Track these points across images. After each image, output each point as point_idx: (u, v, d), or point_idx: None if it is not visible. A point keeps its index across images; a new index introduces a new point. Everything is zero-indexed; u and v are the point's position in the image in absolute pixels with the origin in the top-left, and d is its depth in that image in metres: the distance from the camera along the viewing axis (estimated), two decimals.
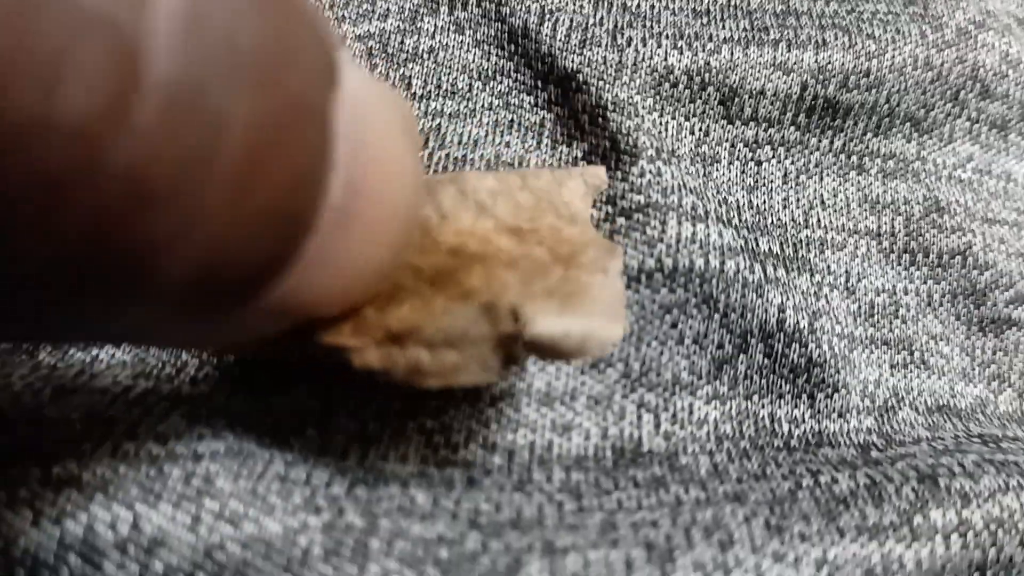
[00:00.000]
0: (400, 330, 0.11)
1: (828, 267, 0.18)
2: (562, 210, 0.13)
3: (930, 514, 0.13)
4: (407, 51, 0.18)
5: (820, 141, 0.19)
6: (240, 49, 0.08)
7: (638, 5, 0.19)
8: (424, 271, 0.12)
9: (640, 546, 0.12)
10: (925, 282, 0.19)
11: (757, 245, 0.17)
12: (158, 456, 0.13)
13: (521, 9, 0.18)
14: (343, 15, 0.19)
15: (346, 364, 0.11)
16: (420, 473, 0.14)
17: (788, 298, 0.17)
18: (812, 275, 0.17)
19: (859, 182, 0.19)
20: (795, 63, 0.18)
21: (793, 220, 0.18)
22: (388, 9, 0.19)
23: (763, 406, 0.16)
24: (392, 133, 0.10)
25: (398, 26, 0.19)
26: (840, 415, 0.16)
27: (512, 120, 0.18)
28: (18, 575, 0.12)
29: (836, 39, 0.19)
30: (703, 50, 0.18)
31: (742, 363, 0.16)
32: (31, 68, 0.07)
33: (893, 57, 0.19)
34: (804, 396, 0.16)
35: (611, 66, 0.18)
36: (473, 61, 0.18)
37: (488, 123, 0.18)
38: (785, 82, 0.18)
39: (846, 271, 0.18)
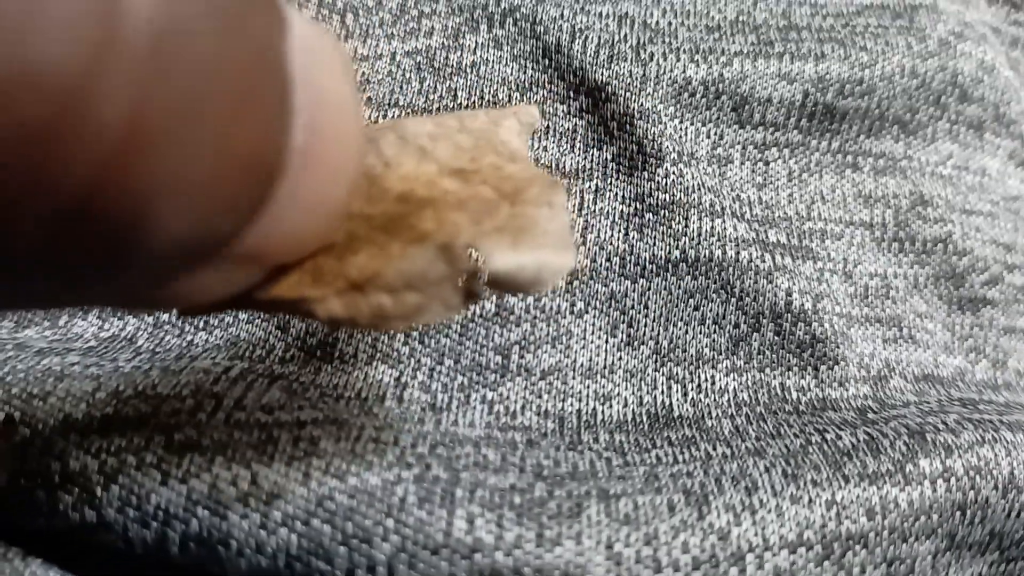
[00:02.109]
0: (360, 278, 0.11)
1: (828, 255, 0.20)
2: (501, 149, 0.13)
3: (919, 463, 0.15)
4: (452, 65, 0.20)
5: (820, 143, 0.21)
6: None
7: (657, 22, 0.21)
8: (375, 218, 0.12)
9: (680, 492, 0.15)
10: (912, 267, 0.21)
11: (767, 236, 0.19)
12: (266, 423, 0.15)
13: (554, 28, 0.20)
14: (392, 32, 0.21)
15: (310, 315, 0.11)
16: (487, 436, 0.16)
17: (794, 283, 0.19)
18: (815, 262, 0.20)
19: (854, 179, 0.21)
20: (797, 73, 0.20)
21: (797, 214, 0.20)
22: (433, 27, 0.21)
23: (775, 377, 0.18)
24: (338, 73, 0.10)
25: (443, 43, 0.21)
26: (840, 384, 0.18)
27: (548, 127, 0.20)
28: (151, 527, 0.14)
29: (833, 51, 0.21)
30: (717, 63, 0.20)
31: (755, 340, 0.18)
32: None
33: (883, 67, 0.21)
34: (809, 368, 0.18)
35: (636, 79, 0.20)
36: (511, 74, 0.20)
37: None
38: (789, 90, 0.20)
39: (844, 258, 0.20)
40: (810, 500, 0.15)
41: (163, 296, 0.10)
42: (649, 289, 0.19)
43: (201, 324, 0.18)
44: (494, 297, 0.18)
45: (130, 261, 0.08)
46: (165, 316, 0.18)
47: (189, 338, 0.17)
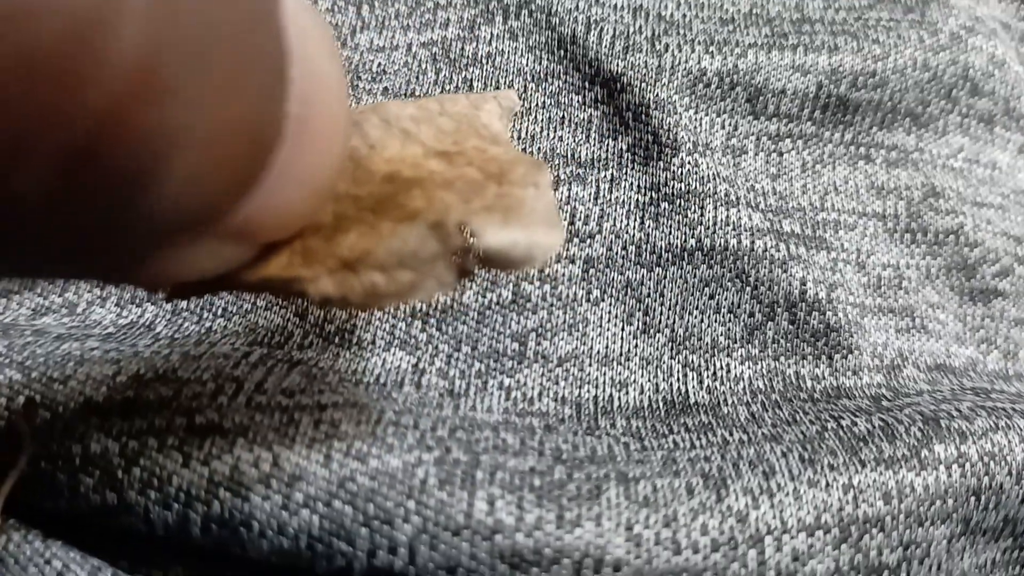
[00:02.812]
0: (351, 257, 0.11)
1: (842, 245, 0.20)
2: (482, 132, 0.14)
3: (934, 448, 0.16)
4: (468, 56, 0.21)
5: (833, 134, 0.21)
6: None
7: (672, 14, 0.21)
8: (363, 199, 0.12)
9: (698, 476, 0.15)
10: (924, 258, 0.21)
11: (781, 226, 0.19)
12: (287, 406, 0.15)
13: (569, 19, 0.20)
14: (408, 23, 0.21)
15: (302, 295, 0.11)
16: (505, 421, 0.16)
17: (808, 272, 0.19)
18: (828, 252, 0.20)
19: (867, 170, 0.21)
20: (811, 65, 0.21)
21: (811, 204, 0.20)
22: (448, 19, 0.21)
23: (789, 365, 0.18)
24: (326, 48, 0.10)
25: (458, 34, 0.21)
26: (854, 372, 0.19)
27: (563, 117, 0.20)
28: (173, 509, 0.14)
29: (846, 44, 0.21)
30: (731, 54, 0.20)
31: (770, 329, 0.19)
32: None
33: (895, 60, 0.21)
34: (824, 357, 0.19)
35: (651, 69, 0.20)
36: (527, 65, 0.20)
37: (542, 120, 0.20)
38: (803, 82, 0.20)
39: (857, 248, 0.20)
40: (827, 484, 0.15)
41: (153, 271, 0.10)
42: (665, 277, 0.19)
43: (219, 311, 0.18)
44: (510, 284, 0.18)
45: (132, 220, 0.08)
46: (183, 303, 0.18)
47: (208, 325, 0.18)
